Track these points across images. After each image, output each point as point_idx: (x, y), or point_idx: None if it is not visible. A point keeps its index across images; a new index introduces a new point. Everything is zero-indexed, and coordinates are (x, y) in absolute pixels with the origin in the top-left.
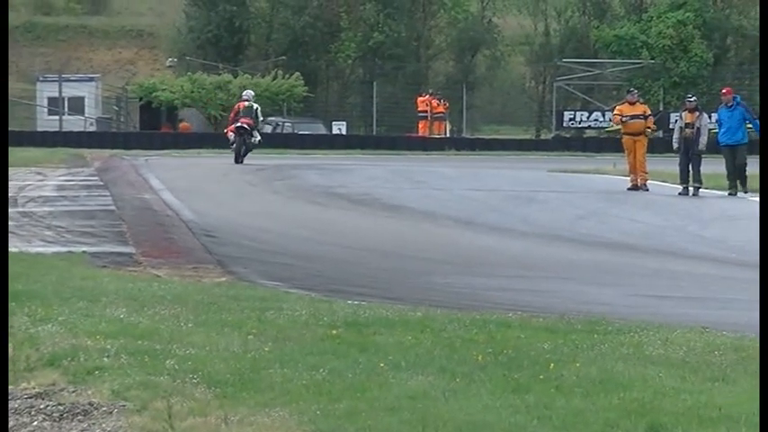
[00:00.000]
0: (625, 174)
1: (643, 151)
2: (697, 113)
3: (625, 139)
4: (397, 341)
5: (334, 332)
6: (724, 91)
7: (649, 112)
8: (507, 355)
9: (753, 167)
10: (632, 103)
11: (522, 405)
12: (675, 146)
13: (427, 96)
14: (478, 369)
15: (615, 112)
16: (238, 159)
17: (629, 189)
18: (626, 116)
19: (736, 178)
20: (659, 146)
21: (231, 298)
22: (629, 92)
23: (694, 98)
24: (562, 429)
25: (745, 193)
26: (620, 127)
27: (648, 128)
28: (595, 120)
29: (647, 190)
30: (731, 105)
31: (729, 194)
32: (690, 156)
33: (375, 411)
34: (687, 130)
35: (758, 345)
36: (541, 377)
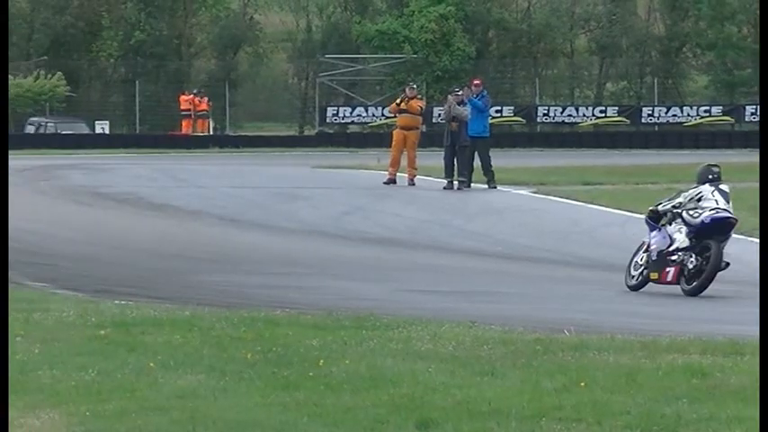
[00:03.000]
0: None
1: (414, 146)
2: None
3: (396, 132)
4: (166, 340)
5: (102, 332)
6: (477, 82)
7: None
8: (276, 352)
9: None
10: (411, 98)
11: (292, 402)
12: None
13: (191, 96)
14: (248, 367)
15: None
16: None
17: (384, 183)
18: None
19: (484, 171)
20: (422, 140)
21: None
22: (409, 87)
23: (461, 91)
24: (332, 426)
25: (494, 187)
26: (396, 118)
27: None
28: (358, 115)
29: (414, 185)
30: (478, 96)
31: (490, 187)
32: (455, 149)
33: (145, 411)
34: (453, 123)
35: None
36: (311, 374)
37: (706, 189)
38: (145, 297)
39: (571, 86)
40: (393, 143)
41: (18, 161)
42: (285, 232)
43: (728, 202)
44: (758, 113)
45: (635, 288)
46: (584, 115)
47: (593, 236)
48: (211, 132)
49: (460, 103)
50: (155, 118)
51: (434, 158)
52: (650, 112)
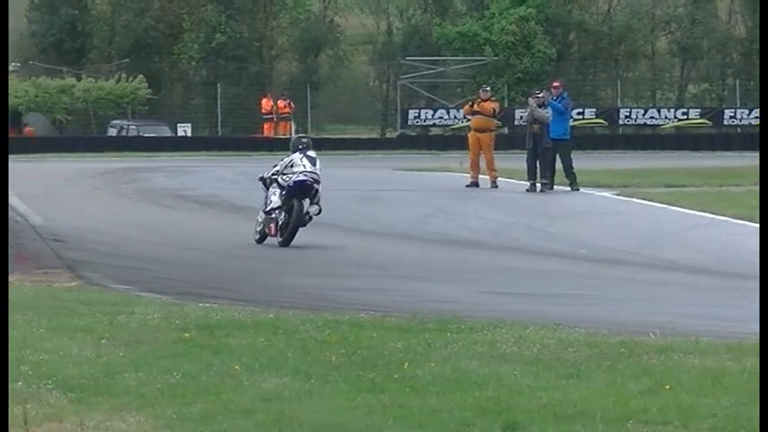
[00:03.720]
0: None
1: (489, 148)
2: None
3: (470, 134)
4: (250, 343)
5: (187, 335)
6: (556, 84)
7: (499, 110)
8: (361, 355)
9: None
10: (485, 100)
11: (377, 405)
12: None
13: (277, 102)
14: (332, 370)
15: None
16: None
17: (467, 186)
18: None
19: (566, 174)
20: (504, 142)
21: (82, 302)
22: (482, 89)
23: (542, 93)
24: (418, 429)
25: (577, 189)
26: (470, 120)
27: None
28: (440, 117)
29: (497, 187)
30: (558, 98)
31: (573, 189)
32: (537, 151)
33: (230, 414)
34: (535, 125)
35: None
36: (396, 377)
37: (296, 157)
38: (228, 299)
39: (653, 88)
40: (470, 148)
41: (100, 164)
42: (367, 234)
43: (315, 166)
44: None
45: (259, 241)
46: (665, 117)
47: (676, 238)
48: (293, 135)
49: (541, 105)
50: (237, 120)
51: (516, 161)
52: (732, 114)
